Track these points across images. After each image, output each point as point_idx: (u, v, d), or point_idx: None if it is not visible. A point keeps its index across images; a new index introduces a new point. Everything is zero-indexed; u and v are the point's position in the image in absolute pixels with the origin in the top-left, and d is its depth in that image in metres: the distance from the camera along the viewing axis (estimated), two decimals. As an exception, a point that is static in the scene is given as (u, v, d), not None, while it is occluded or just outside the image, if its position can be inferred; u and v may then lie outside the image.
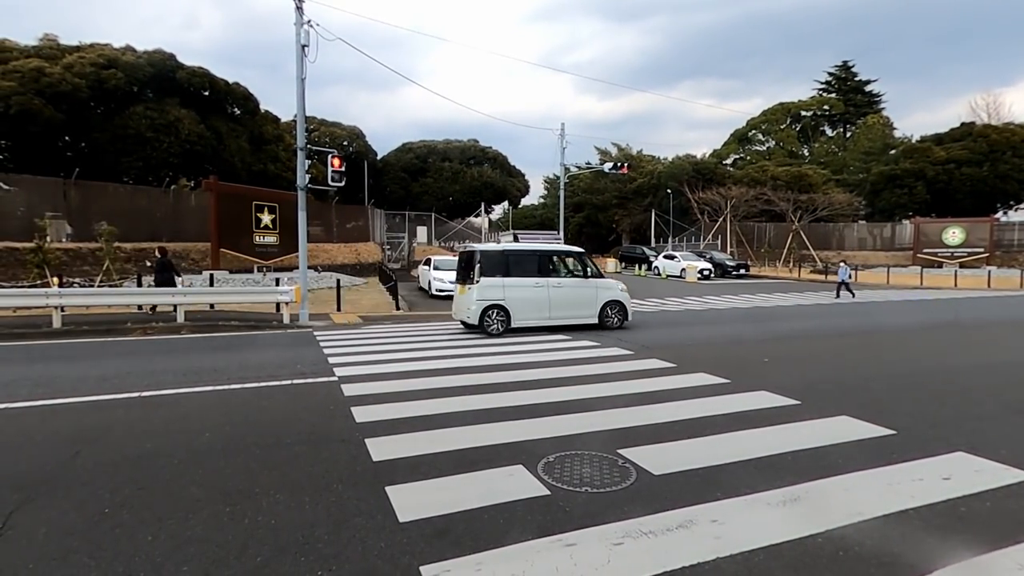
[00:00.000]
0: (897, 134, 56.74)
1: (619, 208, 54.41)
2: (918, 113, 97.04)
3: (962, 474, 3.82)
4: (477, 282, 10.94)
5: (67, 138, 27.70)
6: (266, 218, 21.59)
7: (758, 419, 5.12)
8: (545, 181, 68.39)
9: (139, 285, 14.89)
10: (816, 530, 3.03)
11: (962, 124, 45.93)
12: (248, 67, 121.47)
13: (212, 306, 14.48)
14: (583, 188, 57.47)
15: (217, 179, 20.75)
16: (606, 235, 57.04)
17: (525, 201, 63.10)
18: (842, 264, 22.22)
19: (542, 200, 71.49)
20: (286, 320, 12.98)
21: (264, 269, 21.60)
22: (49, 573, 2.71)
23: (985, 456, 4.13)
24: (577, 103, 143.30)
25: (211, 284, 15.84)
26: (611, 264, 38.70)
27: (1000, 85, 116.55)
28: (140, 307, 13.98)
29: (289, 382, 6.78)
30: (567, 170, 29.58)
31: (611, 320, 11.74)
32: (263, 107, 34.81)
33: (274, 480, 3.79)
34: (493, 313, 10.95)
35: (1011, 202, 44.08)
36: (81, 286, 16.01)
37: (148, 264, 18.26)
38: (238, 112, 32.81)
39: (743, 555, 2.79)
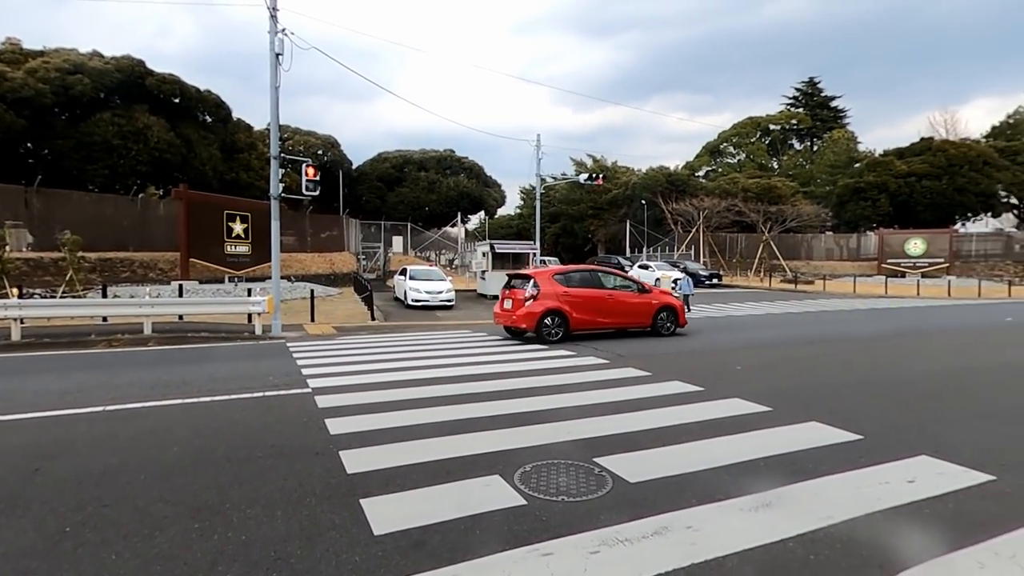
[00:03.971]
0: (861, 148, 58.79)
1: (594, 218, 54.94)
2: (880, 128, 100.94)
3: (926, 477, 3.94)
4: None
5: (29, 145, 26.90)
6: (238, 227, 21.22)
7: (731, 426, 5.20)
8: (521, 191, 68.72)
9: (104, 296, 14.45)
10: (788, 534, 3.09)
11: (922, 139, 47.81)
12: (222, 76, 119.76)
13: (181, 317, 14.13)
14: (559, 199, 57.90)
15: (187, 187, 20.35)
16: (582, 245, 57.47)
17: (502, 211, 63.45)
18: (682, 274, 20.02)
19: (518, 210, 71.77)
20: (258, 331, 12.74)
21: (236, 279, 21.20)
22: (5, 596, 2.60)
23: (947, 459, 4.26)
24: (553, 115, 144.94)
25: (180, 295, 15.48)
26: (587, 274, 38.95)
27: (956, 103, 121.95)
28: (104, 319, 13.56)
29: (261, 394, 6.65)
30: (543, 181, 29.78)
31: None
32: (236, 115, 34.38)
33: (245, 495, 3.70)
34: None
35: (968, 214, 45.93)
36: (42, 297, 15.49)
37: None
38: (210, 120, 32.32)
39: (717, 560, 2.83)
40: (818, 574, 2.72)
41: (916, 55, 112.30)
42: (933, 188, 42.58)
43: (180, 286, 16.37)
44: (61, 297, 15.32)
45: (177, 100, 30.01)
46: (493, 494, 3.67)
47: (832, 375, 8.04)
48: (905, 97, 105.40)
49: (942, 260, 38.33)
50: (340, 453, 4.48)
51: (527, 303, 11.22)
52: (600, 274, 12.75)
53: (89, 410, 5.91)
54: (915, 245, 39.27)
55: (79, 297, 15.35)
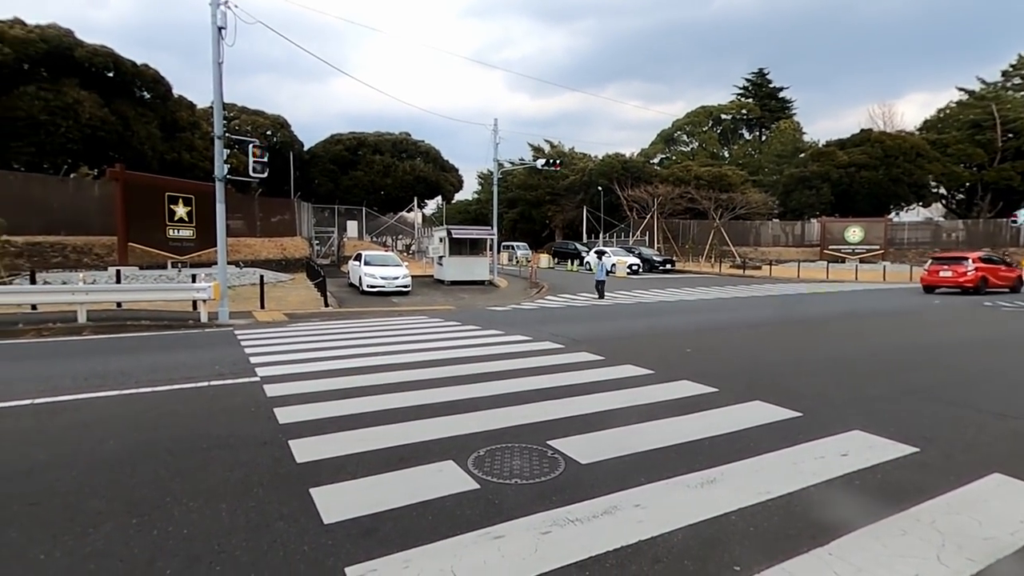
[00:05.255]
0: (806, 139, 61.09)
1: (552, 204, 55.27)
2: (823, 120, 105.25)
3: (857, 451, 4.17)
4: None
5: (-58, 119, 24.71)
6: (181, 210, 20.24)
7: (679, 407, 5.36)
8: (479, 176, 68.33)
9: (33, 282, 13.56)
10: (730, 508, 3.22)
11: (861, 131, 50.03)
12: (162, 50, 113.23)
13: (119, 304, 13.43)
14: (517, 184, 57.90)
15: (124, 167, 19.19)
16: (539, 231, 57.76)
17: (459, 196, 62.82)
18: (598, 257, 20.13)
19: (476, 195, 71.38)
20: (204, 319, 12.25)
21: (179, 265, 20.27)
22: (-82, 603, 2.43)
23: (877, 433, 4.53)
24: (510, 100, 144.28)
25: (118, 281, 14.70)
26: (544, 260, 39.25)
27: (892, 96, 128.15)
28: (34, 307, 12.74)
29: (206, 384, 6.41)
30: (501, 166, 29.66)
31: None
32: (177, 92, 32.61)
33: (187, 488, 3.57)
34: None
35: (902, 203, 48.59)
36: (-38, 284, 14.39)
37: None
38: (148, 96, 30.52)
39: (663, 536, 2.92)
40: (757, 545, 2.84)
41: (855, 50, 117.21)
42: (871, 178, 44.74)
43: (118, 272, 15.53)
44: (-16, 284, 14.28)
45: (111, 74, 28.17)
46: (446, 479, 3.67)
47: (776, 356, 8.39)
48: (846, 90, 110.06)
49: (878, 247, 40.49)
50: (289, 442, 4.37)
51: (969, 272, 19.76)
52: (992, 256, 22.75)
53: (15, 404, 5.55)
54: (854, 232, 41.29)
55: (4, 284, 14.34)
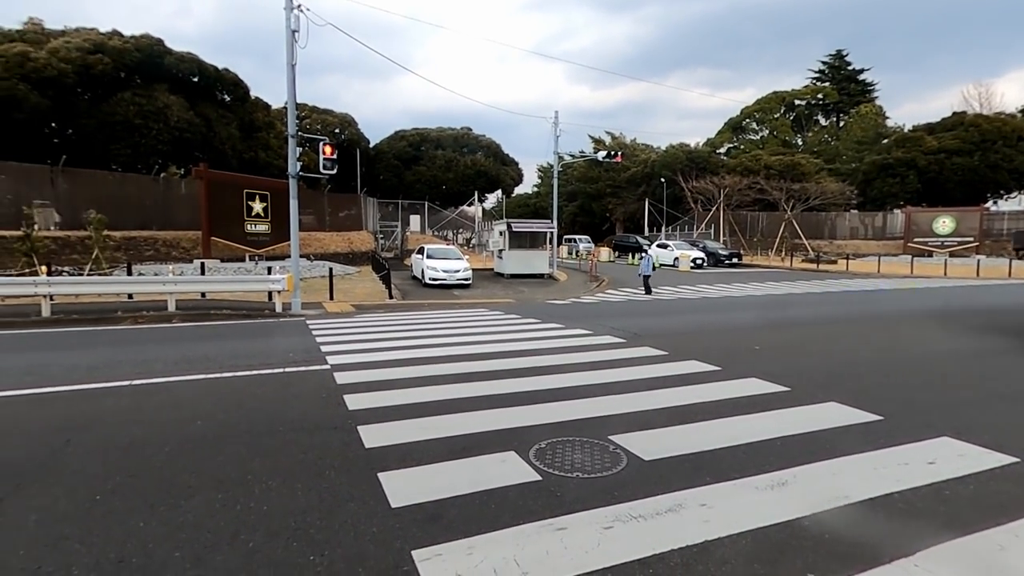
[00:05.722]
0: (889, 124, 56.86)
1: (613, 197, 54.38)
2: (907, 104, 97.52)
3: (946, 458, 3.88)
4: None
5: (53, 124, 27.27)
6: (257, 206, 21.40)
7: (748, 405, 5.17)
8: (539, 170, 68.24)
9: (129, 273, 14.76)
10: (802, 513, 3.08)
11: (954, 114, 46.06)
12: (240, 54, 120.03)
13: (203, 295, 14.40)
14: (577, 177, 57.37)
15: (207, 166, 20.53)
16: (600, 224, 57.03)
17: (519, 190, 63.07)
18: (645, 254, 19.51)
19: (536, 189, 71.36)
20: (278, 309, 12.93)
21: (256, 258, 21.47)
22: (41, 559, 2.71)
23: (969, 441, 4.19)
24: (571, 92, 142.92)
25: (202, 273, 15.75)
26: (604, 253, 38.73)
27: (989, 76, 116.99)
28: (130, 296, 13.88)
29: (281, 370, 6.77)
30: (561, 159, 29.44)
31: None
32: (254, 94, 34.41)
33: (266, 467, 3.79)
34: None
35: (1001, 191, 44.40)
36: (70, 275, 15.86)
37: None
38: (228, 99, 32.42)
39: (731, 538, 2.83)
40: (833, 552, 2.71)
41: (944, 27, 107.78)
42: (964, 164, 41.17)
43: (202, 264, 16.65)
44: (88, 275, 15.69)
45: (196, 79, 30.11)
46: (508, 470, 3.71)
47: (853, 355, 7.91)
48: (935, 70, 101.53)
49: (971, 239, 37.16)
50: (358, 428, 4.56)
51: None
52: None
53: (116, 384, 6.08)
54: (943, 224, 38.09)
55: (105, 275, 15.70)
